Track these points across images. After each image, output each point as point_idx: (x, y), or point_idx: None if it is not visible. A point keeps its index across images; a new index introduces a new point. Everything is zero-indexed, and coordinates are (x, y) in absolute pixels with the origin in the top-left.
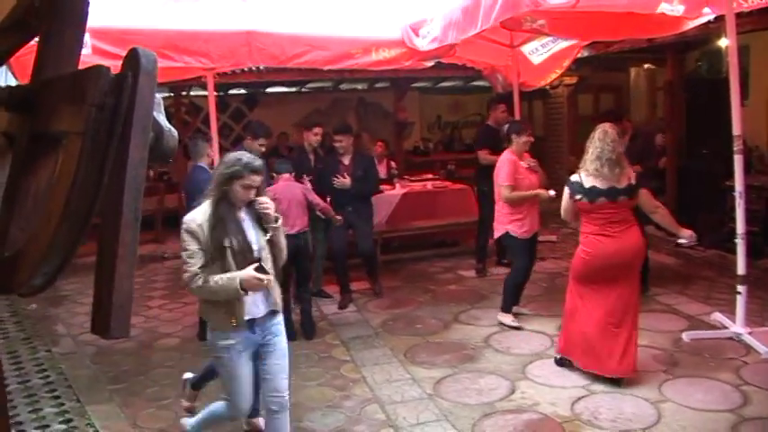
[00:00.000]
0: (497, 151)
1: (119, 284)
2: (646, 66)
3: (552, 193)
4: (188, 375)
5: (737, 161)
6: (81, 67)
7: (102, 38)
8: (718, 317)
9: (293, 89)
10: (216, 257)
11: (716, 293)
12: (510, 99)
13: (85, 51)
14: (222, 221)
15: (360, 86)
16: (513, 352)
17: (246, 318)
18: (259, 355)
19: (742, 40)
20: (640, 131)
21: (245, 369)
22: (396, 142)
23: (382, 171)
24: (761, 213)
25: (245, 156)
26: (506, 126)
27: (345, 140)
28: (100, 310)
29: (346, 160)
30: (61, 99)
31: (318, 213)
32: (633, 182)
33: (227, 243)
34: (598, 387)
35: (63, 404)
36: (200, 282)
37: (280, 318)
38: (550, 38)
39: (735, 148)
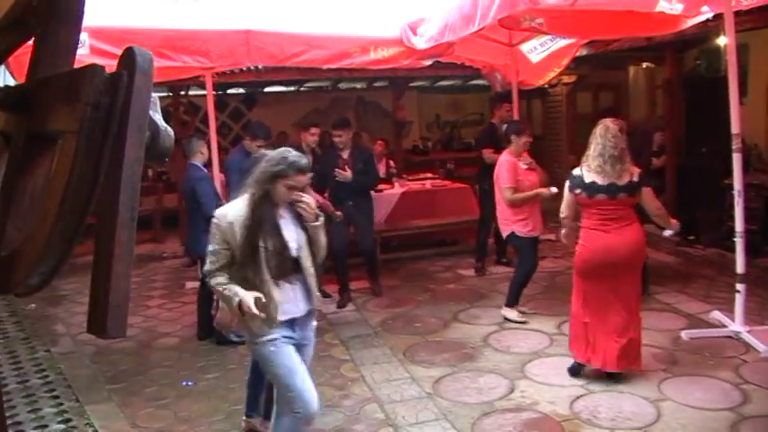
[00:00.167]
0: (501, 150)
1: (115, 284)
2: (645, 64)
3: (554, 189)
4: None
5: (736, 159)
6: (79, 66)
7: (100, 37)
8: (717, 315)
9: (292, 88)
10: (248, 256)
11: (715, 292)
12: (509, 98)
13: (83, 51)
14: (259, 222)
15: (358, 86)
16: (513, 351)
17: (286, 317)
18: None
19: (741, 39)
20: (638, 129)
21: (297, 358)
22: (395, 141)
23: (381, 170)
24: (759, 212)
25: (290, 153)
26: (505, 126)
27: (345, 135)
28: (96, 310)
29: (345, 155)
30: (57, 98)
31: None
32: (635, 179)
33: (261, 244)
34: (597, 386)
35: (62, 404)
36: (213, 281)
37: (314, 321)
38: (549, 36)
39: (733, 147)
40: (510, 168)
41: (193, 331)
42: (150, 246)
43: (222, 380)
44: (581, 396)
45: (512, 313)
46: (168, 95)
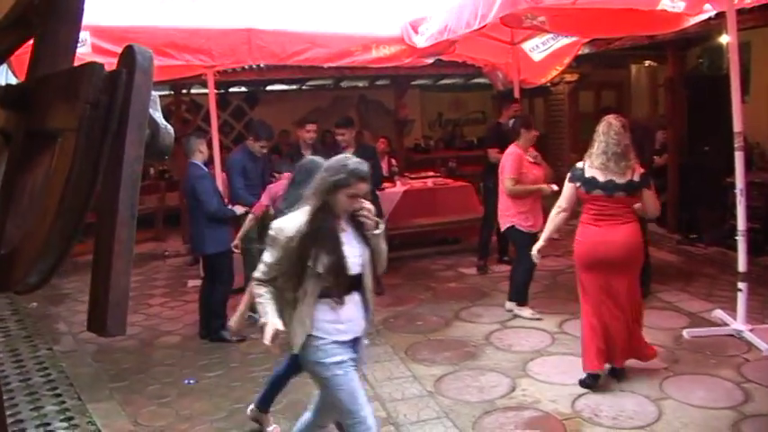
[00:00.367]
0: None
1: (115, 282)
2: (647, 63)
3: (555, 187)
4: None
5: (738, 158)
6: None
7: (101, 36)
8: (719, 314)
9: (294, 87)
10: (297, 270)
11: (717, 290)
12: (511, 96)
13: (85, 50)
14: (316, 235)
15: (360, 84)
16: (514, 349)
17: (350, 336)
18: None
19: (743, 37)
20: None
21: (359, 383)
22: (397, 140)
23: (384, 168)
24: (762, 210)
25: (350, 161)
26: (513, 120)
27: (348, 134)
28: (96, 308)
29: (349, 154)
30: (56, 96)
31: None
32: (636, 179)
33: (314, 259)
34: (599, 382)
35: (64, 402)
36: (256, 290)
37: (366, 339)
38: (551, 35)
39: (735, 145)
40: (516, 159)
41: (195, 329)
42: (152, 244)
43: (224, 378)
44: (583, 395)
45: (525, 311)
46: (170, 94)
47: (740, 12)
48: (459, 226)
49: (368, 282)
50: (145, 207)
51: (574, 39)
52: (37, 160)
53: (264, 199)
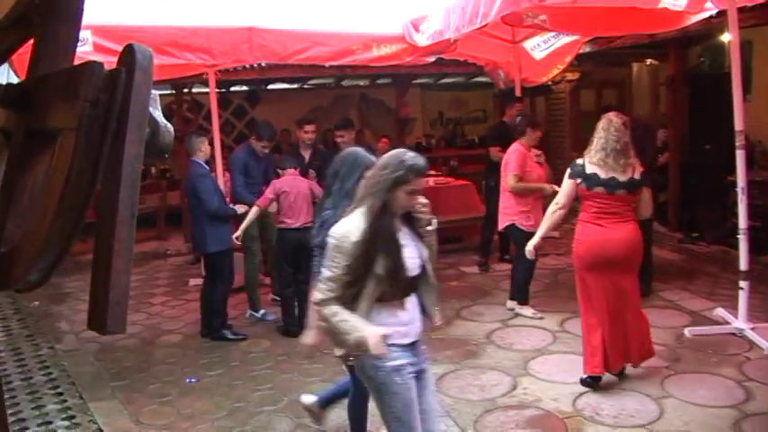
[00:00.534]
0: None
1: (115, 280)
2: (648, 61)
3: (556, 188)
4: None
5: (740, 156)
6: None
7: (103, 35)
8: (720, 312)
9: (295, 86)
10: (361, 276)
11: (719, 289)
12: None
13: (87, 48)
14: (378, 238)
15: (361, 83)
16: (516, 348)
17: (408, 340)
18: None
19: (744, 35)
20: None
21: (415, 392)
22: (398, 138)
23: None
24: (763, 209)
25: (406, 155)
26: (518, 118)
27: (347, 135)
28: (96, 306)
29: None
30: (56, 95)
31: None
32: (637, 177)
33: (378, 267)
34: (600, 383)
35: (66, 401)
36: (327, 310)
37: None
38: (552, 33)
39: (737, 144)
40: (520, 156)
41: (197, 328)
42: (154, 243)
43: (225, 377)
44: (584, 393)
45: (527, 310)
46: (171, 93)
47: (741, 10)
48: (461, 224)
49: (429, 281)
50: (146, 206)
51: (575, 37)
52: (37, 159)
53: (269, 192)
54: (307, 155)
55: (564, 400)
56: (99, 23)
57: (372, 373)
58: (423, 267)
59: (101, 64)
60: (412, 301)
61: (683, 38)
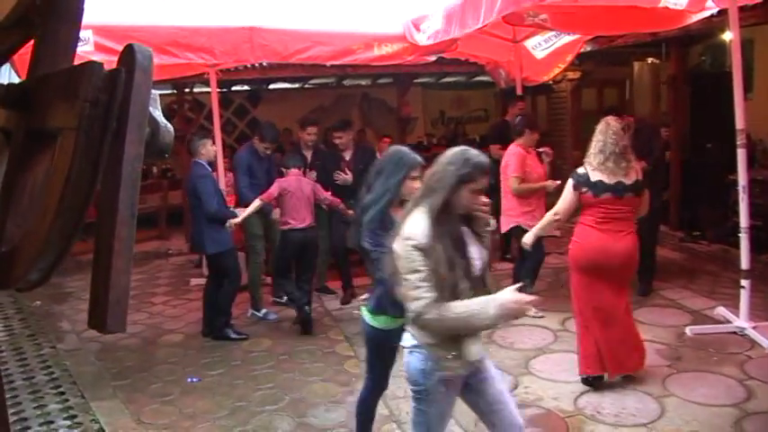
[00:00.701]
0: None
1: (115, 280)
2: (649, 60)
3: (559, 182)
4: None
5: (741, 155)
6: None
7: (104, 35)
8: (721, 311)
9: (296, 85)
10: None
11: (720, 288)
12: (519, 95)
13: (88, 48)
14: (447, 240)
15: (363, 82)
16: (517, 347)
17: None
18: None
19: (745, 34)
20: (645, 125)
21: (452, 406)
22: (399, 138)
23: None
24: (764, 208)
25: (470, 152)
26: (518, 118)
27: (345, 136)
28: (96, 306)
29: (348, 156)
30: (56, 95)
31: (324, 208)
32: (641, 178)
33: (443, 269)
34: (601, 382)
35: (67, 400)
36: (435, 313)
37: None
38: (553, 33)
39: (738, 143)
40: (519, 157)
41: (198, 328)
42: (155, 243)
43: (227, 376)
44: (585, 392)
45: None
46: (173, 93)
47: (743, 9)
48: None
49: (489, 282)
50: (148, 206)
51: (576, 36)
52: (37, 159)
53: (274, 189)
54: (308, 155)
55: (565, 399)
56: (100, 23)
57: (420, 379)
58: (482, 270)
59: (101, 64)
60: None
61: (684, 37)
